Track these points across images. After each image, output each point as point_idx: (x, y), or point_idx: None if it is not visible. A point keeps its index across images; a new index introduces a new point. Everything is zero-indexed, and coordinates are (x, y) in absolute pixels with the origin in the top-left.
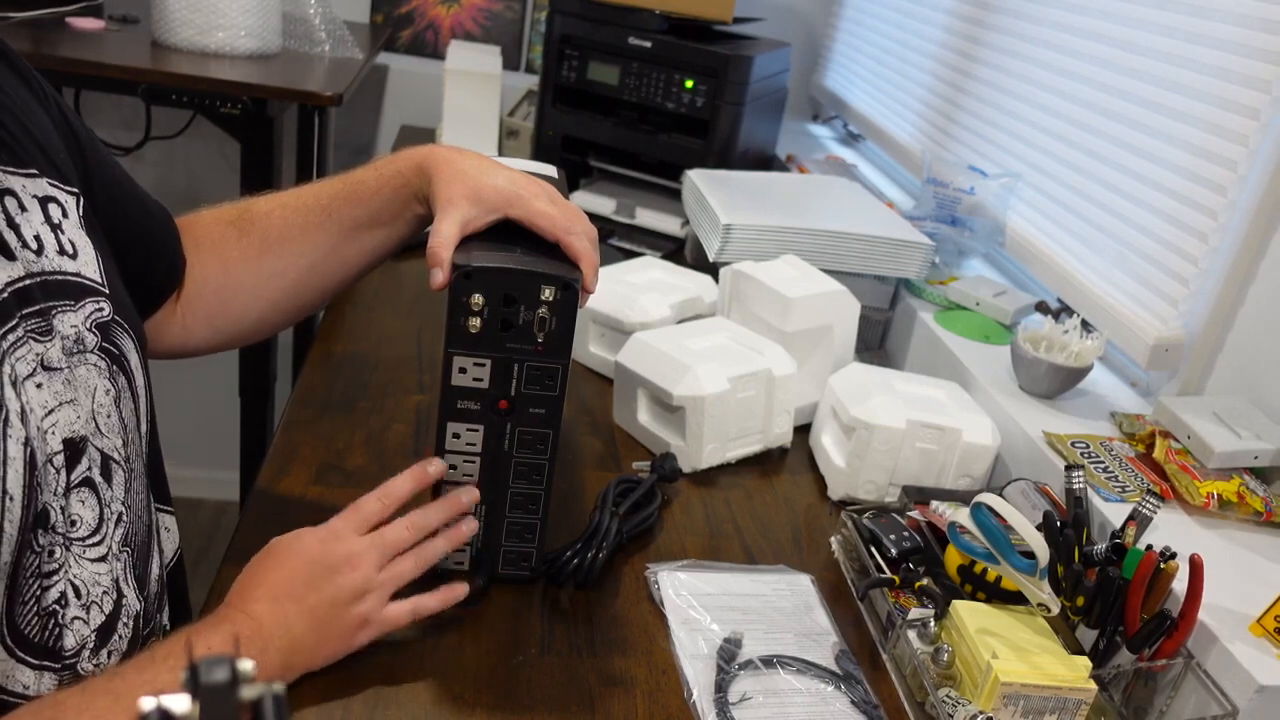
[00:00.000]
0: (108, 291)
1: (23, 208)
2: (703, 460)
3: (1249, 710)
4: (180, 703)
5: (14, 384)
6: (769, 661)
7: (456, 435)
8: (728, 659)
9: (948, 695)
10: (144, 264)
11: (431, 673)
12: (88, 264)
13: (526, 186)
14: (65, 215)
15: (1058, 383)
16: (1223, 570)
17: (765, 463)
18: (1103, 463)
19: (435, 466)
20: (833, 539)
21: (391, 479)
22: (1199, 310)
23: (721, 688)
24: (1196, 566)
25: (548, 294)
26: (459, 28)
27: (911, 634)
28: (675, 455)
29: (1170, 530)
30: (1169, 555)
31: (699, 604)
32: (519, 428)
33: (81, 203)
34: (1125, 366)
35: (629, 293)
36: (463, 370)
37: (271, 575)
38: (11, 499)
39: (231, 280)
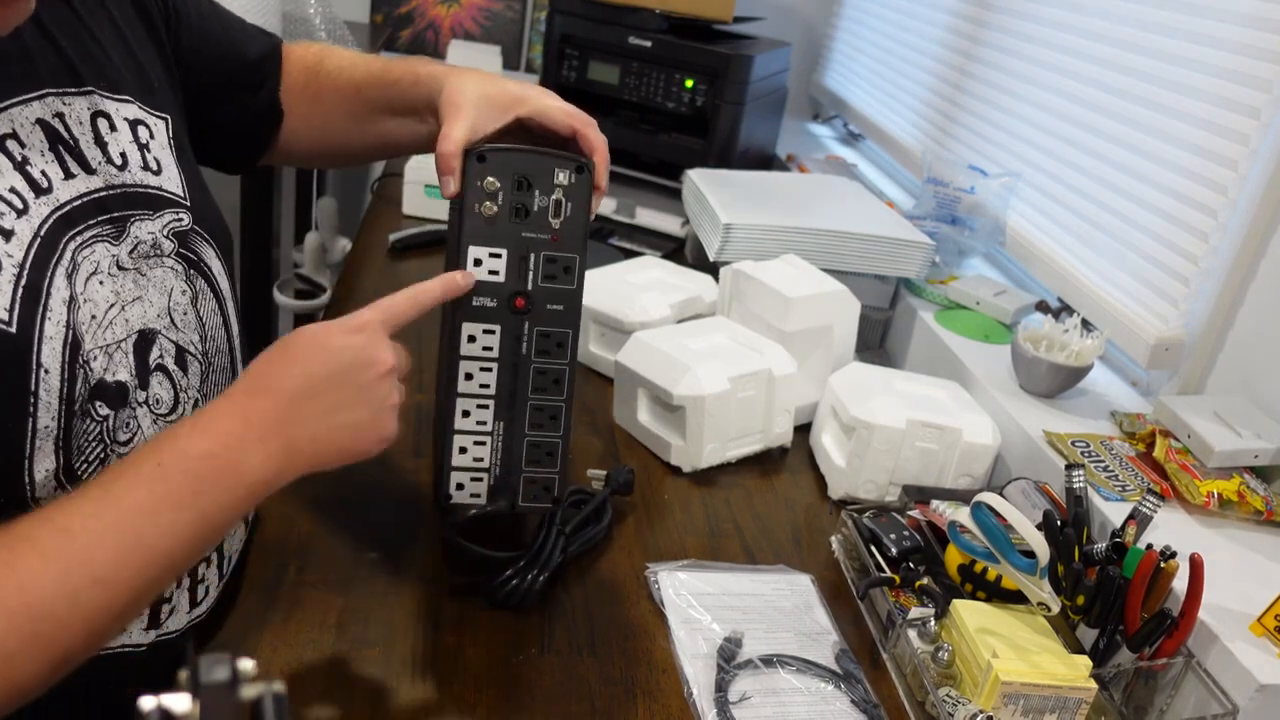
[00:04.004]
0: (189, 204)
1: (113, 128)
2: (703, 460)
3: (1249, 709)
4: (180, 702)
5: (69, 275)
6: (769, 661)
7: (472, 338)
8: (728, 658)
9: (948, 694)
10: (244, 115)
11: (431, 673)
12: (170, 180)
13: (536, 89)
14: (153, 137)
15: (1058, 382)
16: (1223, 569)
17: (765, 462)
18: (1103, 462)
19: (464, 278)
20: (833, 538)
21: (420, 284)
22: (1199, 309)
23: (721, 687)
24: (1197, 566)
25: (561, 177)
26: (459, 28)
27: (912, 633)
28: (632, 469)
29: (1170, 529)
30: (1169, 554)
31: (699, 604)
32: (536, 328)
33: (170, 126)
34: (1125, 366)
35: (629, 292)
36: (478, 262)
37: (295, 367)
38: (47, 371)
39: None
